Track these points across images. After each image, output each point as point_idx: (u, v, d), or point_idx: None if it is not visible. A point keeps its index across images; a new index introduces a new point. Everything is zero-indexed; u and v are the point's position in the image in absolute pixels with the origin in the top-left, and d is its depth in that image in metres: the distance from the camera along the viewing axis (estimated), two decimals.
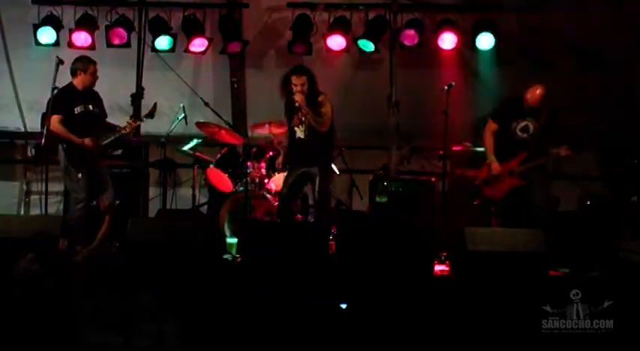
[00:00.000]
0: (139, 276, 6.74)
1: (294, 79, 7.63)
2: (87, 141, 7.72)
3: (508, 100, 8.16)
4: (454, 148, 9.08)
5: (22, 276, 5.76)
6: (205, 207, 9.44)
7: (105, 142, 7.91)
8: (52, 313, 5.70)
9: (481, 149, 8.78)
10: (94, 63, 7.88)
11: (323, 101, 7.71)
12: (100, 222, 7.82)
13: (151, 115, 8.08)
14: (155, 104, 8.10)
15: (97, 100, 7.96)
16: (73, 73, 7.82)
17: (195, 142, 9.21)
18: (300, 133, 7.78)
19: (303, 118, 7.67)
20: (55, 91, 7.68)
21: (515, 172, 7.81)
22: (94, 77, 7.86)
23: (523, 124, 7.84)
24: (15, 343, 5.66)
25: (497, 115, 8.01)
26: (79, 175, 7.72)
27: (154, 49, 9.76)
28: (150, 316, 6.49)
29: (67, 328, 5.83)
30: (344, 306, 5.85)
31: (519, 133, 7.86)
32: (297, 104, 7.56)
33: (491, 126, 7.99)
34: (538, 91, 7.74)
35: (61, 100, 7.72)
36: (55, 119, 7.67)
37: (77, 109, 7.78)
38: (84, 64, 7.83)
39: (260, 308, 6.48)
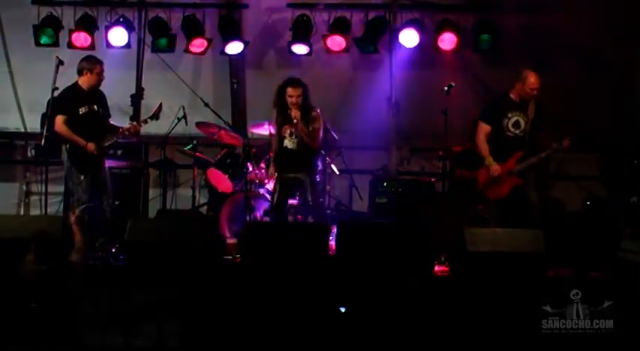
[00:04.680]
0: (139, 276, 6.74)
1: (290, 90, 7.69)
2: (90, 146, 7.69)
3: (494, 98, 8.10)
4: (454, 149, 9.08)
5: (27, 277, 5.78)
6: (205, 207, 9.44)
7: (107, 144, 7.91)
8: (54, 312, 5.71)
9: None
10: (101, 63, 7.87)
11: (316, 117, 7.78)
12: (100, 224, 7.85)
13: (155, 116, 8.06)
14: (160, 105, 8.08)
15: (102, 100, 7.95)
16: (79, 73, 7.82)
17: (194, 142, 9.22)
18: (289, 143, 7.82)
19: (293, 130, 7.74)
20: (57, 91, 7.69)
21: (515, 171, 7.77)
22: (100, 77, 7.85)
23: (514, 119, 7.78)
24: (17, 343, 5.67)
25: (487, 115, 7.90)
26: (82, 178, 7.72)
27: (153, 50, 9.76)
28: (150, 316, 6.49)
29: (69, 328, 5.83)
30: (343, 309, 5.85)
31: (512, 130, 7.79)
32: (294, 120, 7.62)
33: (484, 128, 7.86)
34: (533, 78, 7.67)
35: (66, 100, 7.71)
36: (59, 120, 7.66)
37: (82, 110, 7.77)
38: (90, 63, 7.82)
39: (260, 308, 6.48)
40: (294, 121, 7.65)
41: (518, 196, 7.76)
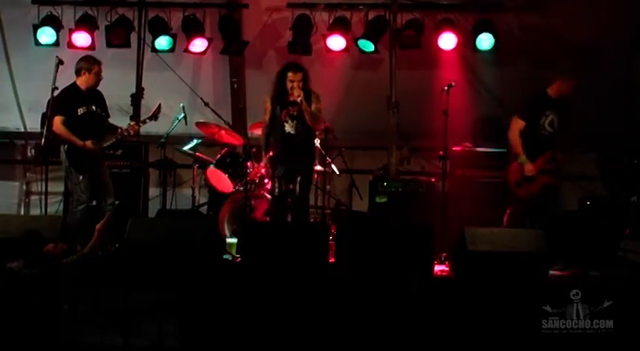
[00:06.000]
0: (138, 276, 6.74)
1: (291, 75, 7.68)
2: (88, 144, 7.71)
3: (534, 96, 7.98)
4: (454, 148, 9.08)
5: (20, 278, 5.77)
6: (205, 207, 9.44)
7: (106, 144, 7.91)
8: (36, 313, 5.70)
9: (481, 149, 8.78)
10: (99, 63, 7.89)
11: (319, 98, 7.75)
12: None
13: (154, 116, 8.08)
14: (159, 106, 8.10)
15: (100, 100, 7.96)
16: (77, 73, 7.84)
17: (195, 142, 9.21)
18: (289, 127, 7.77)
19: (295, 113, 7.69)
20: (57, 91, 7.69)
21: (547, 169, 7.74)
22: (98, 78, 7.87)
23: (550, 118, 7.76)
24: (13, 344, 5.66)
25: (526, 112, 7.82)
26: (80, 178, 7.73)
27: (153, 49, 9.75)
28: (150, 316, 6.50)
29: (50, 328, 5.82)
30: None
31: (547, 128, 7.76)
32: (298, 99, 7.58)
33: (519, 124, 7.80)
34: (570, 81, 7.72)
35: (64, 101, 7.71)
36: (57, 120, 7.67)
37: (80, 110, 7.78)
38: (89, 63, 7.84)
39: (259, 308, 6.48)
40: (298, 99, 7.61)
41: (547, 194, 7.74)
